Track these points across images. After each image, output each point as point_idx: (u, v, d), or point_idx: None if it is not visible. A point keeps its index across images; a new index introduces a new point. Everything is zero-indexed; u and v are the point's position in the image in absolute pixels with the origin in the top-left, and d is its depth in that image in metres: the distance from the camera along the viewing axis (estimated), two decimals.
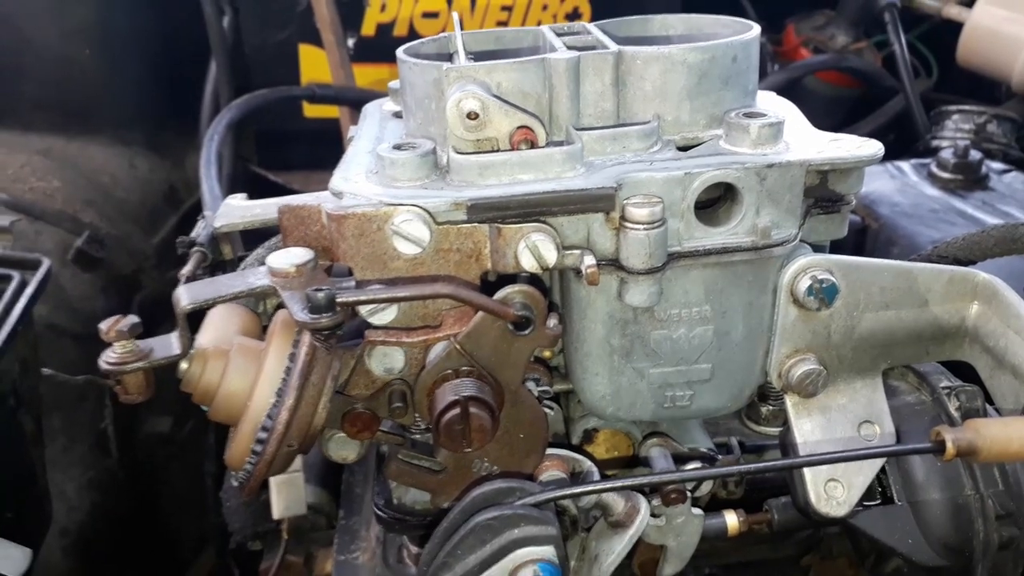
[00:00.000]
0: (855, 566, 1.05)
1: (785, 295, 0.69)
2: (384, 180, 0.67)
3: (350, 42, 1.61)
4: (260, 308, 0.73)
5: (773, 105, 0.77)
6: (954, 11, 2.00)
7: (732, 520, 0.78)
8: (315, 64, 1.65)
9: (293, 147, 1.65)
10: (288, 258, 0.62)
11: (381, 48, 1.63)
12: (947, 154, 1.41)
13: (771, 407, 0.85)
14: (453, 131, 0.66)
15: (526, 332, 0.62)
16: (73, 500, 1.35)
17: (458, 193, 0.64)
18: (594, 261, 0.63)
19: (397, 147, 0.68)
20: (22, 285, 1.01)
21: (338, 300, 0.58)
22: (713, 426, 0.86)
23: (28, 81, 1.51)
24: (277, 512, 0.91)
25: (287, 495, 0.91)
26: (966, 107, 1.61)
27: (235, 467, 0.63)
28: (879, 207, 1.30)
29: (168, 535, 1.58)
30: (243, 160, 1.61)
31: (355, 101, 1.46)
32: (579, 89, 0.68)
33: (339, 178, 0.68)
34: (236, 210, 0.79)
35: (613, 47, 0.68)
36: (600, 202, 0.63)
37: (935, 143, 1.60)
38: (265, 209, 0.78)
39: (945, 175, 1.40)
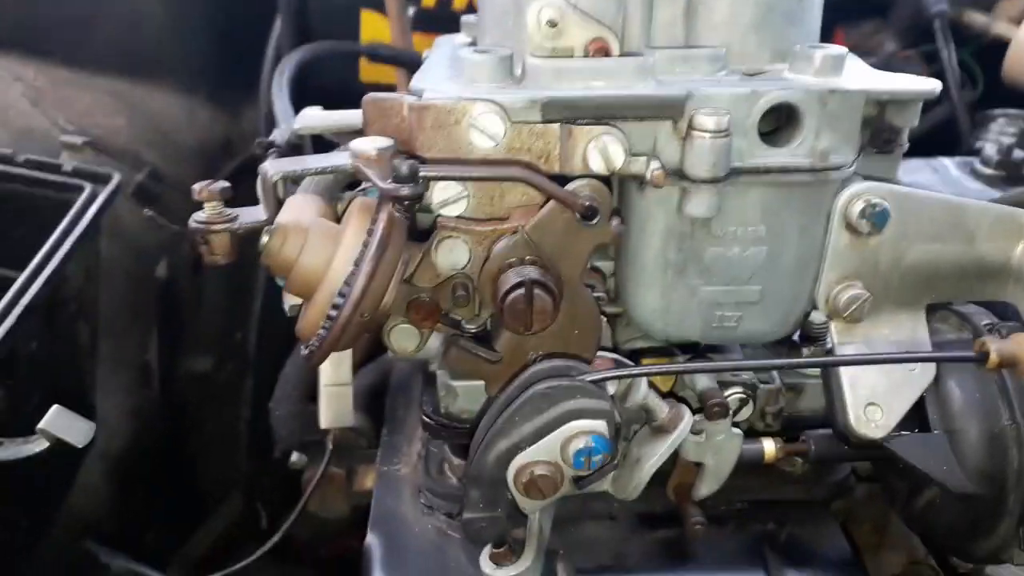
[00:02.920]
0: (880, 532, 1.07)
1: (838, 219, 0.72)
2: (462, 81, 0.70)
3: (411, 11, 1.66)
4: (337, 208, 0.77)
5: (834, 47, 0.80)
6: (1003, 27, 2.02)
7: (770, 446, 0.80)
8: (376, 30, 1.70)
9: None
10: (371, 143, 0.66)
11: (440, 19, 1.68)
12: (990, 151, 1.43)
13: (812, 349, 0.87)
14: (532, 38, 0.69)
15: (593, 223, 0.65)
16: (114, 426, 1.39)
17: (534, 92, 0.67)
18: (660, 165, 0.67)
19: (476, 51, 0.71)
20: (92, 196, 1.06)
21: (421, 172, 0.61)
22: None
23: (100, 28, 1.57)
24: (325, 422, 0.94)
25: (336, 406, 0.94)
26: (1011, 111, 1.63)
27: (306, 337, 0.66)
28: None
29: (197, 475, 1.61)
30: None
31: (413, 63, 1.50)
32: (651, 15, 0.72)
33: (418, 79, 0.72)
34: (315, 117, 0.83)
35: None
36: (670, 109, 0.67)
37: (978, 144, 1.62)
38: (343, 117, 0.82)
39: (988, 171, 1.42)
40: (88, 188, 1.05)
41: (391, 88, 1.67)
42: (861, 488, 0.97)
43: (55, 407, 0.80)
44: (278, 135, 0.84)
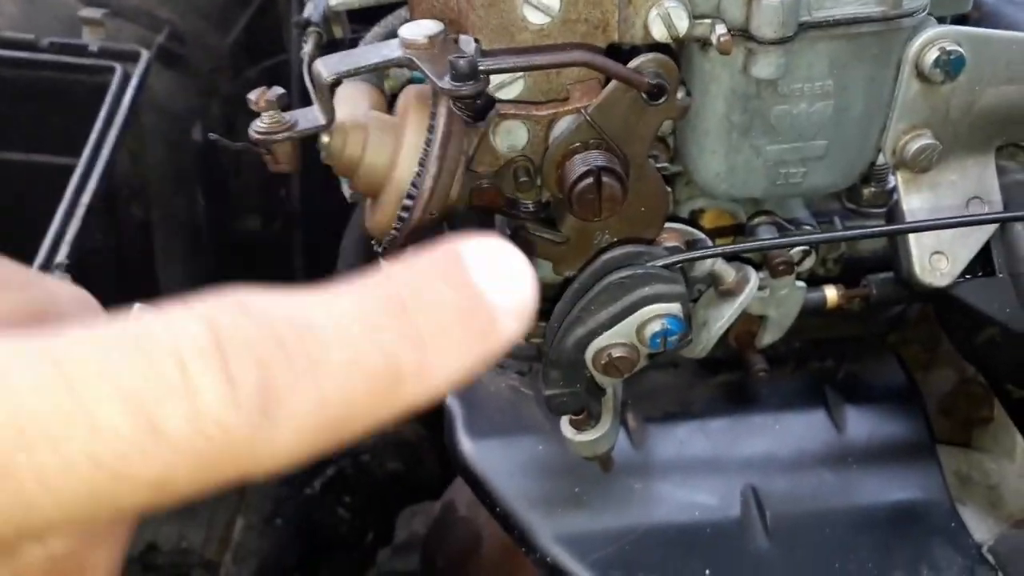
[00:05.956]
0: (930, 350, 1.10)
1: (909, 68, 0.69)
2: None
3: None
4: (384, 87, 0.75)
5: None
6: None
7: (831, 293, 0.82)
8: None
9: None
10: (420, 29, 0.63)
11: None
12: None
13: (873, 189, 0.86)
14: None
15: (659, 102, 0.63)
16: (174, 292, 1.44)
17: None
18: (726, 29, 0.63)
19: None
20: (125, 78, 1.03)
21: (480, 68, 0.59)
22: (812, 207, 0.88)
23: None
24: None
25: None
26: None
27: (379, 234, 0.67)
28: None
29: None
30: None
31: None
32: None
33: None
34: None
35: None
36: None
37: None
38: None
39: None
40: (119, 69, 1.03)
41: None
42: (912, 308, 0.99)
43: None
44: (312, 10, 0.80)
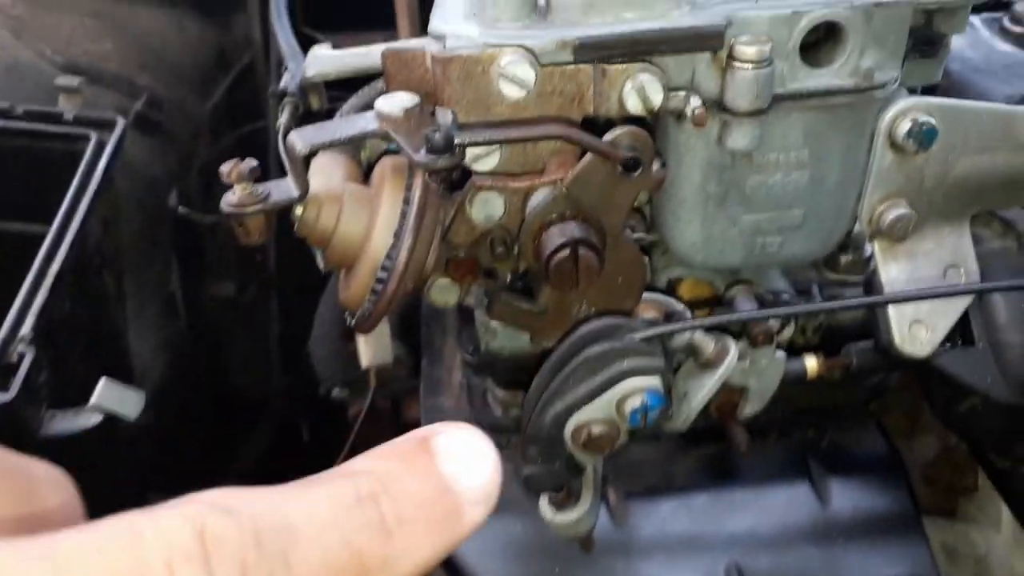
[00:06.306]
0: (912, 417, 1.09)
1: (883, 138, 0.70)
2: (485, 21, 0.66)
3: None
4: (361, 157, 0.74)
5: None
6: None
7: (812, 363, 0.81)
8: None
9: (341, 5, 1.61)
10: (396, 102, 0.63)
11: None
12: (1020, 7, 1.36)
13: (850, 257, 0.86)
14: None
15: (635, 174, 0.63)
16: (147, 360, 1.41)
17: (564, 32, 0.63)
18: (700, 102, 0.64)
19: None
20: (100, 146, 1.03)
21: (456, 141, 0.59)
22: (790, 275, 0.87)
23: None
24: (366, 361, 0.95)
25: (375, 345, 0.94)
26: None
27: (353, 307, 0.66)
28: (950, 63, 1.26)
29: (234, 397, 1.65)
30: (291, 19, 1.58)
31: None
32: None
33: (438, 20, 0.67)
34: (326, 59, 0.79)
35: None
36: (710, 40, 0.63)
37: None
38: (356, 58, 0.78)
39: (1018, 29, 1.35)
40: (94, 137, 1.02)
41: None
42: (893, 376, 0.98)
43: (103, 380, 0.80)
44: (288, 81, 0.80)
